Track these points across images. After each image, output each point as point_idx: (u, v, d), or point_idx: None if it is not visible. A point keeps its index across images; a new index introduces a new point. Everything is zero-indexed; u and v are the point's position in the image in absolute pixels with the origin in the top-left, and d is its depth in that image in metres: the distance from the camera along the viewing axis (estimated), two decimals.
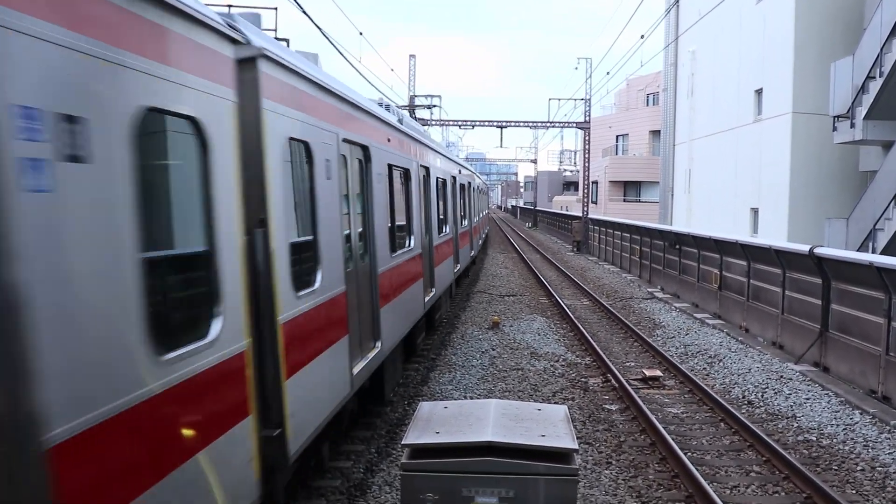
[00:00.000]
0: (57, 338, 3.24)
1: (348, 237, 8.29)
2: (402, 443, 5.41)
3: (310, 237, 6.83)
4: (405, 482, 5.26)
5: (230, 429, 4.94)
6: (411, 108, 45.92)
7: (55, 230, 3.28)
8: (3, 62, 2.97)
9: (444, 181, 18.82)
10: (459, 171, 23.60)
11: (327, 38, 19.68)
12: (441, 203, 17.86)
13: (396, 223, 11.48)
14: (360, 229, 9.19)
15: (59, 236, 3.31)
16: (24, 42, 3.07)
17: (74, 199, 3.39)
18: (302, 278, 6.44)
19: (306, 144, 6.75)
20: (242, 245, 5.25)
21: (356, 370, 8.19)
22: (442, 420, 5.66)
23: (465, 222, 24.57)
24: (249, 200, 5.38)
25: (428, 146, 16.13)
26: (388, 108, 13.47)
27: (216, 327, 4.76)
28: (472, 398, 12.01)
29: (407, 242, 12.39)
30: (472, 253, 27.55)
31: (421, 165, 14.41)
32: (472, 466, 5.14)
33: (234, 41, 5.21)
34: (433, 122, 46.57)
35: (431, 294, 15.06)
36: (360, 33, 28.98)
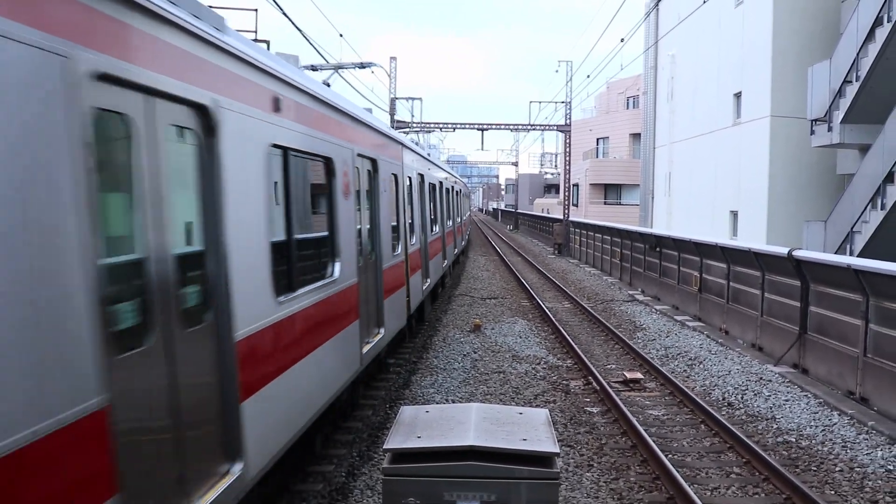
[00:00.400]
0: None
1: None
2: (384, 447, 5.40)
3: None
4: (387, 486, 5.25)
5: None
6: (392, 111, 45.92)
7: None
8: None
9: (435, 185, 20.89)
10: (446, 178, 25.77)
11: (308, 40, 19.62)
12: (432, 205, 19.97)
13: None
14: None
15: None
16: None
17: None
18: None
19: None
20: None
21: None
22: (424, 424, 5.66)
23: (450, 223, 26.53)
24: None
25: (421, 156, 18.12)
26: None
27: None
28: (453, 401, 12.01)
29: (409, 238, 14.51)
30: (456, 251, 30.06)
31: (418, 173, 16.54)
32: (454, 471, 5.14)
33: None
34: (414, 125, 46.58)
35: (427, 283, 17.91)
36: (341, 35, 28.94)
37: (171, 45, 4.65)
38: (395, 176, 13.24)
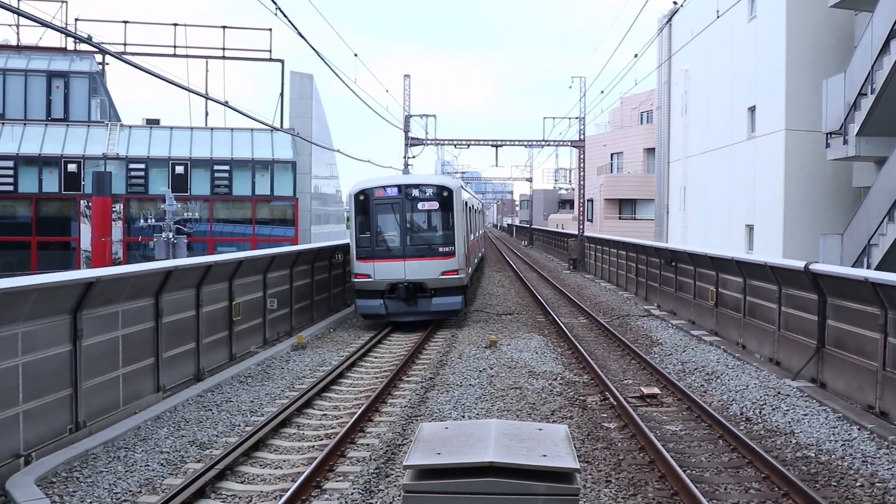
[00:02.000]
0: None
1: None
2: (404, 464, 5.40)
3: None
4: (407, 503, 5.26)
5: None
6: (406, 128, 46.07)
7: None
8: None
9: (474, 208, 33.97)
10: (479, 202, 42.67)
11: (323, 59, 19.77)
12: (475, 220, 33.38)
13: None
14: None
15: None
16: None
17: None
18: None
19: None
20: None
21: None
22: (443, 441, 5.66)
23: (481, 231, 42.20)
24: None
25: (467, 191, 30.80)
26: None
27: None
28: (470, 418, 11.99)
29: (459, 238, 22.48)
30: (483, 249, 45.34)
31: (473, 205, 32.67)
32: (474, 487, 5.14)
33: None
34: (428, 142, 46.73)
35: (481, 253, 37.11)
36: (356, 55, 29.14)
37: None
38: (471, 206, 29.61)
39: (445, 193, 22.01)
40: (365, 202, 21.71)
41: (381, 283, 21.16)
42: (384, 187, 22.05)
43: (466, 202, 25.57)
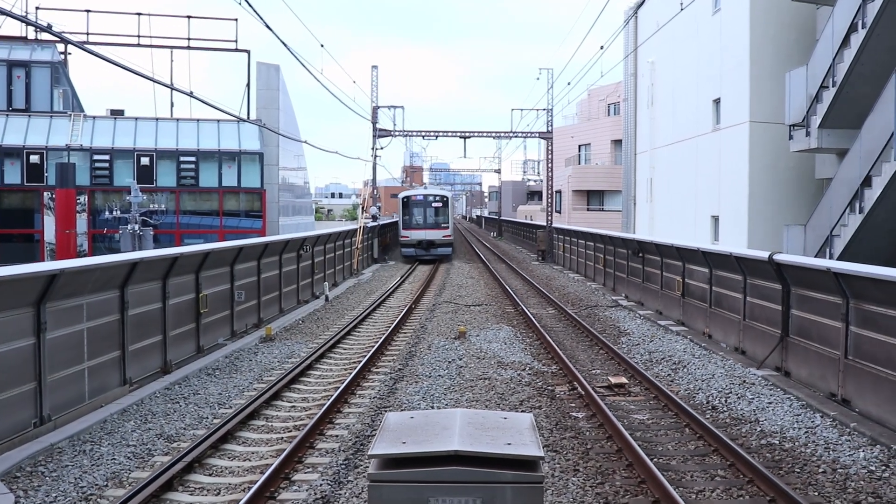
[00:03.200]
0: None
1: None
2: (370, 453, 5.41)
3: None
4: (373, 493, 5.26)
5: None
6: (374, 119, 45.92)
7: None
8: None
9: (454, 204, 46.80)
10: (452, 195, 53.42)
11: (290, 50, 19.64)
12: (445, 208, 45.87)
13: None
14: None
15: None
16: None
17: None
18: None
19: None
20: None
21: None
22: (408, 430, 5.67)
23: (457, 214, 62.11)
24: None
25: (446, 190, 54.42)
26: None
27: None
28: (439, 408, 12.02)
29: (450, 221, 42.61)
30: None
31: (454, 203, 51.14)
32: (440, 475, 5.16)
33: None
34: (396, 133, 46.60)
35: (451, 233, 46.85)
36: (322, 45, 28.98)
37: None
38: (454, 204, 40.27)
39: (445, 199, 45.22)
40: (407, 201, 44.55)
41: (414, 240, 43.74)
42: (417, 195, 45.58)
43: (453, 202, 48.61)
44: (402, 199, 44.92)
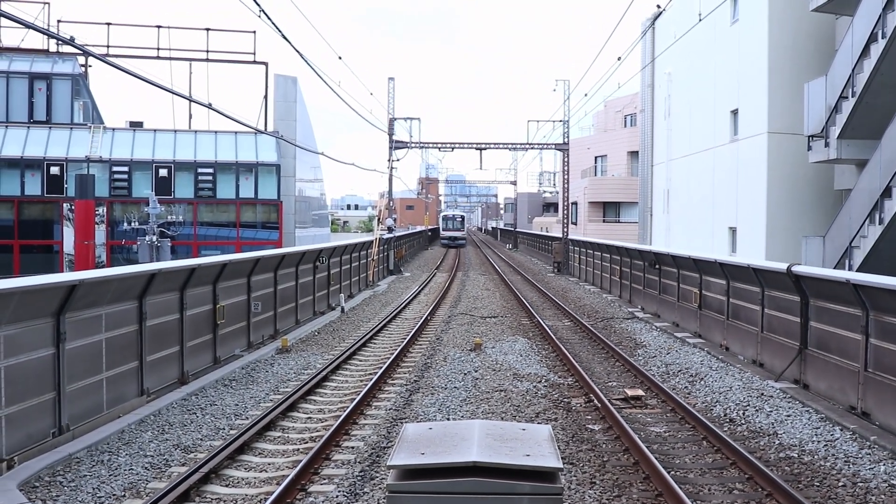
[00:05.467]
0: None
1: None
2: (388, 464, 5.41)
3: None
4: (392, 503, 5.26)
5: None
6: (390, 131, 46.04)
7: None
8: None
9: (467, 218, 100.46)
10: (466, 215, 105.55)
11: (307, 62, 19.75)
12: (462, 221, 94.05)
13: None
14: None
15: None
16: None
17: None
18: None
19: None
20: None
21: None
22: (427, 441, 5.66)
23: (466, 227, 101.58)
24: None
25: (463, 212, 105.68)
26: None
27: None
28: (455, 420, 12.00)
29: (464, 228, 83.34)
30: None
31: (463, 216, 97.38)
32: (458, 486, 5.15)
33: None
34: (412, 145, 46.72)
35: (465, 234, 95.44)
36: (340, 57, 29.12)
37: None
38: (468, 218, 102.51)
39: (462, 216, 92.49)
40: (445, 216, 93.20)
41: (447, 236, 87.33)
42: (449, 214, 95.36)
43: (467, 218, 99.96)
44: (443, 215, 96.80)
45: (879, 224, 18.62)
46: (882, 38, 19.21)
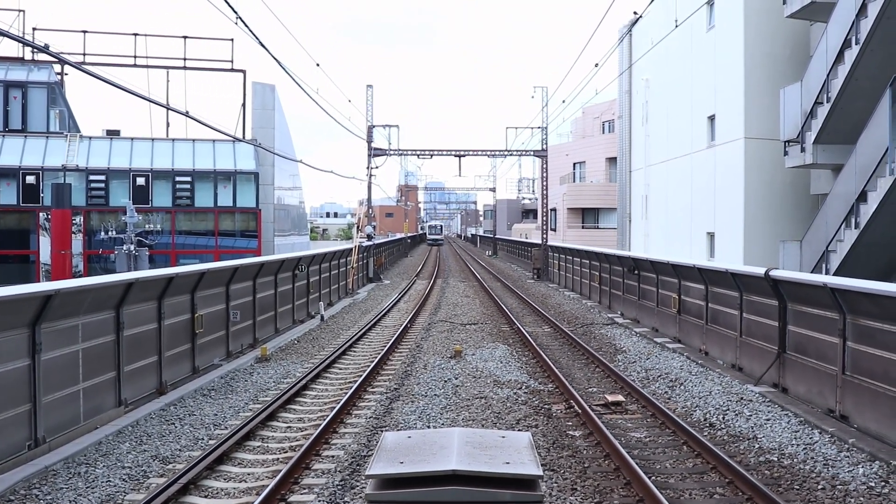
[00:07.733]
0: None
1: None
2: (367, 473, 5.37)
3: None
4: None
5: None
6: (369, 138, 45.98)
7: None
8: None
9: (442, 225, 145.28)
10: (444, 223, 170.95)
11: (285, 70, 19.68)
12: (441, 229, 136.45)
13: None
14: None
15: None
16: None
17: None
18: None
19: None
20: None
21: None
22: (406, 450, 5.63)
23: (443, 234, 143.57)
24: None
25: (441, 223, 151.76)
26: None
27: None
28: (435, 428, 11.95)
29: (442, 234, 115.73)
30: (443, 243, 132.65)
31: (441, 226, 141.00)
32: (438, 496, 5.12)
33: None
34: (391, 152, 46.67)
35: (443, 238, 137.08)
36: (318, 64, 29.06)
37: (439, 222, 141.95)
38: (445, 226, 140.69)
39: (441, 225, 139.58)
40: (431, 225, 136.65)
41: (430, 239, 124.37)
42: (432, 223, 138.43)
43: (445, 226, 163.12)
44: (428, 225, 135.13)
45: (855, 228, 18.78)
46: (856, 43, 19.41)
